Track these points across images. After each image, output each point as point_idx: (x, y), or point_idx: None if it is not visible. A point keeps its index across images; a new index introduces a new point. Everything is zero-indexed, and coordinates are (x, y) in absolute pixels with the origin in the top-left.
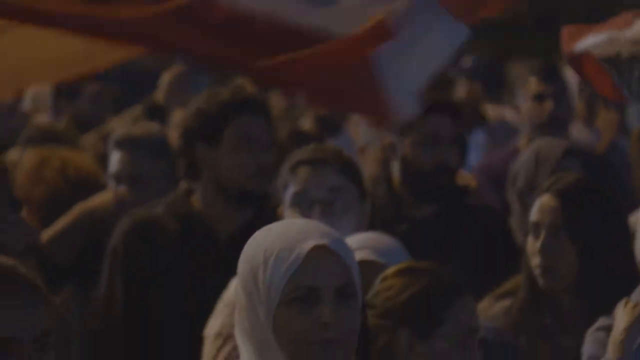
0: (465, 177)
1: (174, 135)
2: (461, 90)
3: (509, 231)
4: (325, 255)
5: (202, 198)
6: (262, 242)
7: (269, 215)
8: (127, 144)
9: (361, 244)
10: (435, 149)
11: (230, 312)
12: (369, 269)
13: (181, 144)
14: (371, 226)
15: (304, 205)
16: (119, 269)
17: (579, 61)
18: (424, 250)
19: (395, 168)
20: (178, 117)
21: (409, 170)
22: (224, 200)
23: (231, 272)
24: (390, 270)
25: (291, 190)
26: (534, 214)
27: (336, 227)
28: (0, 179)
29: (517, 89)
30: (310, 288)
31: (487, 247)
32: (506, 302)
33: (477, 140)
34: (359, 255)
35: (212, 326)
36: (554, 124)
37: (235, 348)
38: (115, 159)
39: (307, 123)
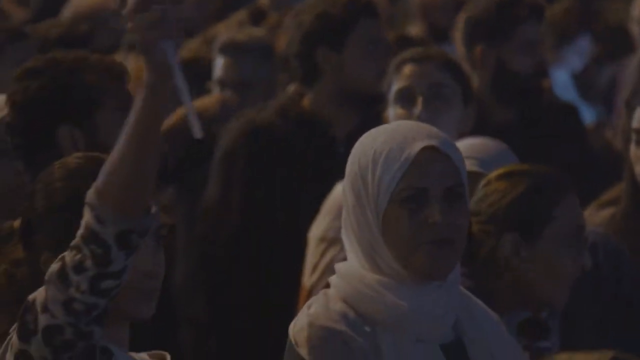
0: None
1: (279, 40)
2: None
3: (583, 131)
4: (435, 156)
5: (315, 101)
6: (371, 143)
7: (377, 118)
8: (231, 49)
9: (467, 152)
10: (531, 54)
11: (335, 215)
12: (473, 180)
13: (301, 47)
14: None
15: (407, 101)
16: (237, 173)
17: None
18: None
19: (478, 75)
20: (285, 22)
21: (504, 76)
22: (340, 103)
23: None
24: (492, 175)
25: (395, 87)
26: (635, 121)
27: (437, 123)
28: (117, 81)
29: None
30: (419, 189)
31: (564, 147)
32: (609, 211)
33: (582, 46)
34: None
35: (317, 229)
36: None
37: (339, 252)
38: (219, 64)
39: (414, 29)
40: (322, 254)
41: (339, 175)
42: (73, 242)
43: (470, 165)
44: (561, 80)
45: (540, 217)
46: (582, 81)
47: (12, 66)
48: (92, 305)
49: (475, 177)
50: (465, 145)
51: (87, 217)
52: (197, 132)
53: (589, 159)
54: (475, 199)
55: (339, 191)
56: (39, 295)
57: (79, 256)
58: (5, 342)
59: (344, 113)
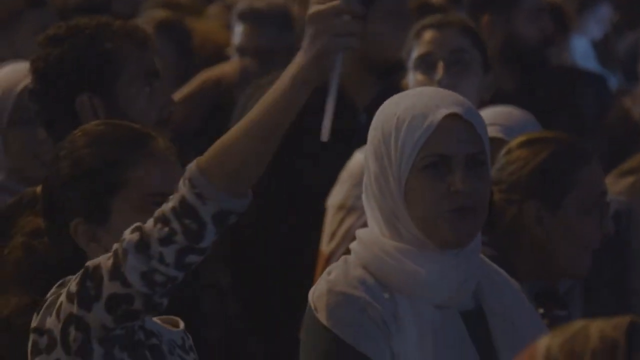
0: None
1: (298, 7)
2: None
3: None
4: (458, 124)
5: None
6: (394, 109)
7: (397, 86)
8: (250, 16)
9: (490, 119)
10: (537, 22)
11: (354, 183)
12: (497, 146)
13: None
14: None
15: (427, 67)
16: None
17: None
18: None
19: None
20: None
21: (511, 44)
22: (362, 72)
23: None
24: (513, 143)
25: (415, 53)
26: None
27: (458, 88)
28: (139, 47)
29: None
30: (442, 156)
31: (567, 113)
32: (630, 179)
33: (602, 14)
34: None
35: (335, 197)
36: None
37: (357, 219)
38: (238, 31)
39: None
40: (341, 222)
41: (360, 143)
42: (157, 214)
43: (494, 132)
44: (581, 48)
45: (561, 184)
46: (602, 49)
47: (31, 33)
48: (172, 278)
49: (499, 143)
50: (490, 112)
51: (185, 192)
52: (325, 135)
53: (586, 125)
54: (497, 167)
55: (358, 159)
56: (103, 262)
57: (166, 229)
58: (44, 307)
59: (365, 81)
